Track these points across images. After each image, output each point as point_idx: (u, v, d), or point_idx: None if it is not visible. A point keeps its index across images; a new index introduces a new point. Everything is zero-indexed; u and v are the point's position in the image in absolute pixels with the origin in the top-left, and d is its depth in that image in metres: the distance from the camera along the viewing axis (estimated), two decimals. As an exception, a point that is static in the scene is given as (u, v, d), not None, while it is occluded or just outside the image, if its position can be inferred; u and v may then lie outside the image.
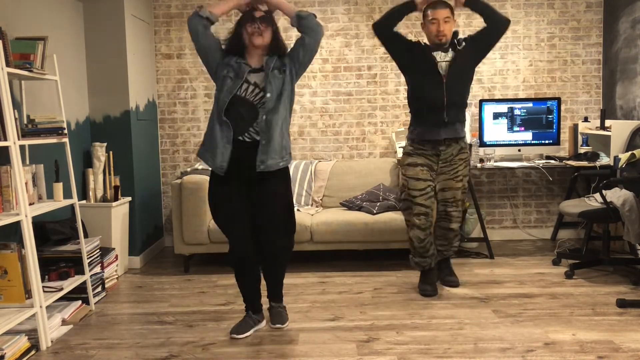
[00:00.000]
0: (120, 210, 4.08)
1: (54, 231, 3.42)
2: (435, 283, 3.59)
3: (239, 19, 2.90)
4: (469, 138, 4.82)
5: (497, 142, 4.69)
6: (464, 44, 3.41)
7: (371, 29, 4.97)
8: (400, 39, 3.44)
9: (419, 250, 3.50)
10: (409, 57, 3.43)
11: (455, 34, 3.43)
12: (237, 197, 2.89)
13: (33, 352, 2.77)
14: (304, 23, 2.82)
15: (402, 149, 4.77)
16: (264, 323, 3.09)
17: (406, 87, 4.97)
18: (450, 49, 3.41)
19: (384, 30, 3.41)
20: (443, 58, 3.38)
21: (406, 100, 4.99)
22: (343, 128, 5.03)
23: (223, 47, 2.89)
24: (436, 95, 3.35)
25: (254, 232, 2.92)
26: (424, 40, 3.48)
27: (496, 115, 4.68)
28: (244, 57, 2.86)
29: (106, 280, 3.73)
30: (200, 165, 4.59)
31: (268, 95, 2.78)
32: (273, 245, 2.94)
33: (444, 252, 3.67)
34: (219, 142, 2.80)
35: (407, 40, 3.46)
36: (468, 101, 4.97)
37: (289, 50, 2.91)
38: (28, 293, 2.83)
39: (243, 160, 2.81)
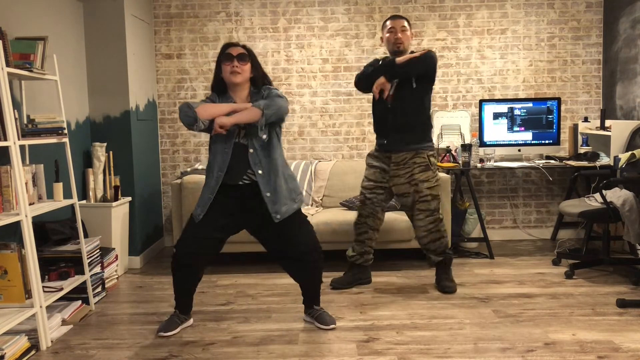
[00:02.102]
0: (120, 210, 4.08)
1: (54, 231, 3.42)
2: (349, 281, 3.73)
3: (216, 59, 2.91)
4: (468, 138, 4.83)
5: (497, 142, 4.69)
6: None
7: (371, 30, 4.97)
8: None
9: (355, 235, 3.74)
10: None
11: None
12: (229, 218, 2.92)
13: (33, 352, 2.77)
14: (270, 118, 2.78)
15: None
16: (191, 321, 3.12)
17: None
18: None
19: (364, 89, 3.63)
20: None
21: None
22: (343, 128, 5.03)
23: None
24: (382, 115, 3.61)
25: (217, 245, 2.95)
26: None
27: (496, 115, 4.68)
28: (229, 96, 2.90)
29: (106, 280, 3.73)
30: (200, 166, 4.60)
31: (264, 137, 2.83)
32: (308, 257, 2.97)
33: (431, 257, 3.65)
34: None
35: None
36: (468, 101, 5.00)
37: (268, 90, 2.89)
38: (28, 293, 2.83)
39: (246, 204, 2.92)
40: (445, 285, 3.60)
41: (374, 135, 5.01)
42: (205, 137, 5.04)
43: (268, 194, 2.83)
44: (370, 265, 3.79)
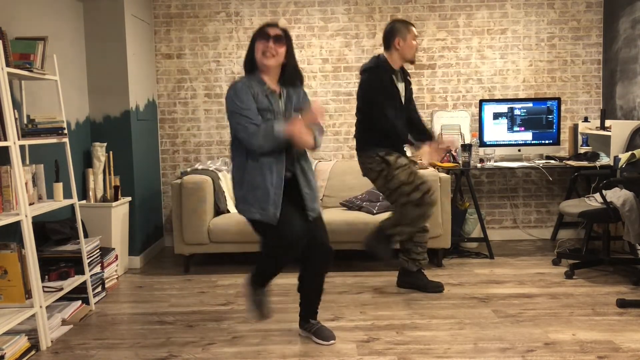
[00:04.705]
0: (120, 210, 4.08)
1: (54, 231, 3.41)
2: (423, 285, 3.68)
3: (252, 36, 2.72)
4: (468, 138, 4.83)
5: (497, 142, 4.69)
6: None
7: (371, 30, 4.97)
8: None
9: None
10: None
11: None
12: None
13: (33, 352, 2.77)
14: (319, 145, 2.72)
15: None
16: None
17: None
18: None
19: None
20: None
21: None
22: (343, 128, 5.03)
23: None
24: None
25: None
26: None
27: (496, 115, 4.68)
28: (262, 80, 2.66)
29: (106, 280, 3.73)
30: (200, 166, 4.59)
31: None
32: (326, 260, 2.85)
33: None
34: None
35: None
36: (468, 101, 5.00)
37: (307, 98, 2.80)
38: (28, 293, 2.83)
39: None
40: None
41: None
42: (205, 137, 5.04)
43: (307, 190, 2.73)
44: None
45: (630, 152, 3.83)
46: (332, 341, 2.83)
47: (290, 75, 2.71)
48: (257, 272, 2.75)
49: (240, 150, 2.66)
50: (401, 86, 3.50)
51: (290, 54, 2.68)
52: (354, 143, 5.05)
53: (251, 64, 2.70)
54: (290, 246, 2.60)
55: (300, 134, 2.52)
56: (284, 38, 2.64)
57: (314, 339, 2.86)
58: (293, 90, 2.75)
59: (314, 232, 2.74)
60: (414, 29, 3.44)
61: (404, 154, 3.55)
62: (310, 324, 2.92)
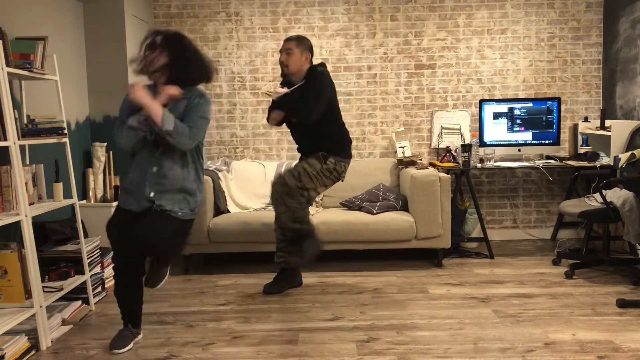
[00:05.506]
0: (120, 210, 4.07)
1: (54, 231, 3.42)
2: (283, 285, 3.70)
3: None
4: (468, 138, 4.83)
5: (497, 142, 4.69)
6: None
7: (371, 30, 4.98)
8: None
9: (280, 245, 3.68)
10: None
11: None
12: None
13: (33, 352, 2.77)
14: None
15: (401, 149, 4.80)
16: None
17: (406, 88, 5.00)
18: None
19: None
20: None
21: (406, 101, 5.01)
22: (343, 128, 5.02)
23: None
24: None
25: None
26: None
27: (496, 115, 4.68)
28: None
29: (106, 280, 3.73)
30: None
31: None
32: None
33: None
34: None
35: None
36: (468, 101, 5.00)
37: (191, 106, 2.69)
38: (28, 293, 2.83)
39: None
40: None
41: (375, 135, 5.03)
42: (205, 137, 5.03)
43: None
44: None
45: (630, 152, 3.83)
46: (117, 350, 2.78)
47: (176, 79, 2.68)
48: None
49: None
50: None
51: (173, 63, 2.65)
52: (354, 143, 5.05)
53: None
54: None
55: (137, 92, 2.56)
56: (157, 44, 2.64)
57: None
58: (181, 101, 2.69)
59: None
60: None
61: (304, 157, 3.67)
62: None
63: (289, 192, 3.48)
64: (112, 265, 2.87)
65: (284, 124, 3.67)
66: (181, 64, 2.66)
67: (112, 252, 2.83)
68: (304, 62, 3.51)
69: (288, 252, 3.55)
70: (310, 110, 3.39)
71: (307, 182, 3.51)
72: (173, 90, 2.62)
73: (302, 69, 3.51)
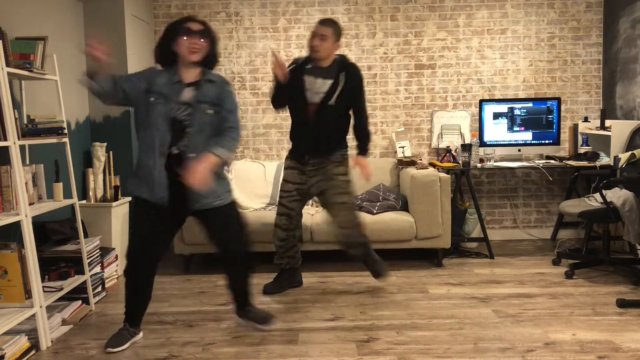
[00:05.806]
0: (120, 210, 4.08)
1: (54, 231, 3.42)
2: (284, 285, 3.69)
3: (168, 29, 2.76)
4: (468, 138, 4.83)
5: (497, 142, 4.69)
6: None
7: (371, 30, 4.98)
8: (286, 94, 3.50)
9: (279, 250, 3.63)
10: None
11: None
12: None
13: (33, 352, 2.77)
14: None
15: (401, 149, 4.80)
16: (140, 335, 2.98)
17: (406, 88, 5.00)
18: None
19: (279, 105, 3.56)
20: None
21: (406, 101, 5.01)
22: (343, 128, 5.02)
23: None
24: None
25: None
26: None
27: (496, 115, 4.68)
28: (174, 71, 2.76)
29: (106, 280, 3.73)
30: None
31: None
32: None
33: (350, 251, 3.60)
34: None
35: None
36: (468, 101, 5.00)
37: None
38: (28, 293, 2.83)
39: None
40: (374, 269, 3.65)
41: (375, 135, 5.02)
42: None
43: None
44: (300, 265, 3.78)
45: (630, 152, 3.83)
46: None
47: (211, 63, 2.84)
48: None
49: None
50: (319, 81, 3.41)
51: (213, 46, 2.80)
52: (354, 143, 5.04)
53: (166, 57, 2.78)
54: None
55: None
56: (209, 33, 2.77)
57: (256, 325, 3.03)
58: (212, 85, 2.78)
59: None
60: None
61: (298, 165, 3.53)
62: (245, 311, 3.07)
63: (353, 208, 3.50)
64: (128, 261, 2.82)
65: (288, 110, 3.56)
66: (215, 50, 2.83)
67: (133, 247, 2.80)
68: (335, 50, 3.42)
69: (291, 259, 3.66)
70: (365, 111, 3.59)
71: (353, 190, 3.56)
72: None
73: (331, 57, 3.42)
